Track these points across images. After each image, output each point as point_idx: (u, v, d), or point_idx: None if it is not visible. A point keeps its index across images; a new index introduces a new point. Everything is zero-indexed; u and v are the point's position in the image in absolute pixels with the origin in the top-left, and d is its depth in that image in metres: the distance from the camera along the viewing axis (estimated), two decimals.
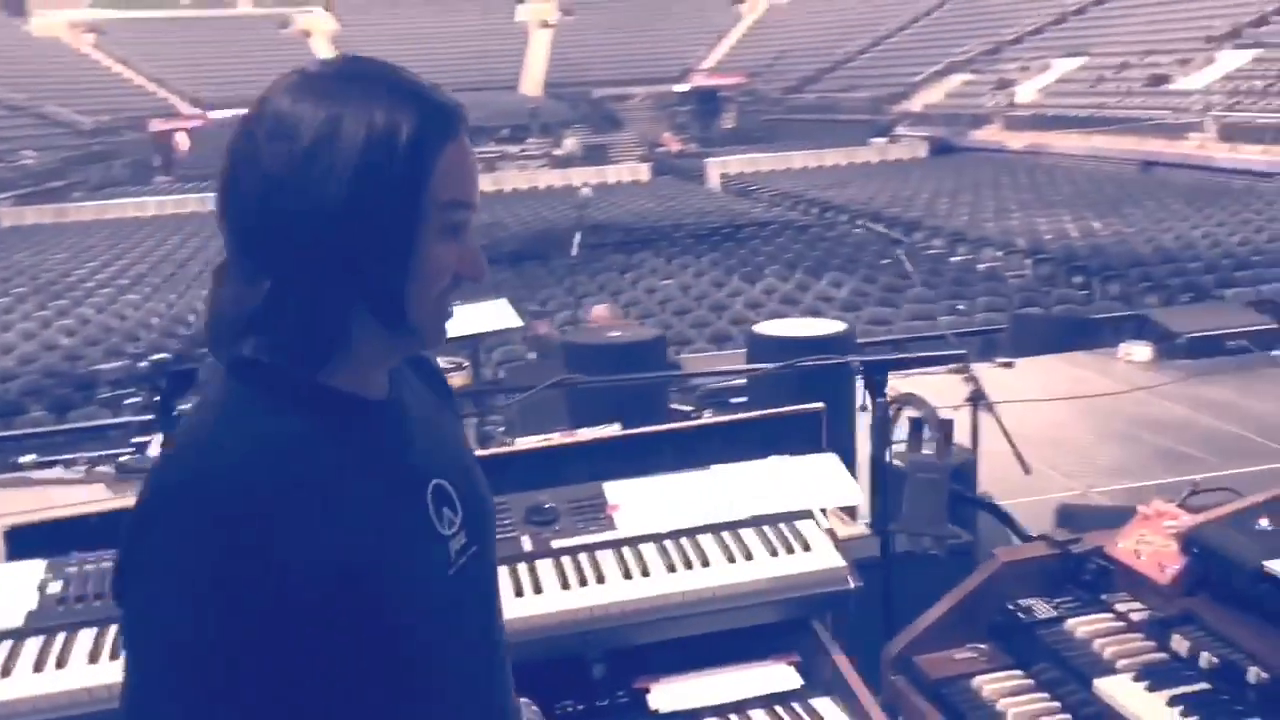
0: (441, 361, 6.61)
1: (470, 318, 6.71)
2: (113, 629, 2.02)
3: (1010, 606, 2.17)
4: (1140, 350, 9.38)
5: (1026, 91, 31.24)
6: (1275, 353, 9.19)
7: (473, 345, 7.26)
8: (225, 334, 1.18)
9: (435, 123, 1.17)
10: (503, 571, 2.31)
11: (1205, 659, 1.91)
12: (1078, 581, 2.21)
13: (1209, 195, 19.62)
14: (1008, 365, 9.35)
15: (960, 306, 13.04)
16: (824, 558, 2.19)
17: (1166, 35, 29.20)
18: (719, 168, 28.95)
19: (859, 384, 3.80)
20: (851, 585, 2.16)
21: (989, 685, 2.07)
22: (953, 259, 16.93)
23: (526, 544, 2.33)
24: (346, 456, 1.19)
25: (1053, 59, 31.15)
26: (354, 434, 1.20)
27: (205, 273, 14.97)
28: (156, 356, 11.13)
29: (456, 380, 6.56)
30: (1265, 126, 22.26)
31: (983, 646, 2.18)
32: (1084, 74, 30.03)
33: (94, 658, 2.00)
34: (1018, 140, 28.99)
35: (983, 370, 9.45)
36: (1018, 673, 2.11)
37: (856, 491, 2.47)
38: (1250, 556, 1.87)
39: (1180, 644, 1.96)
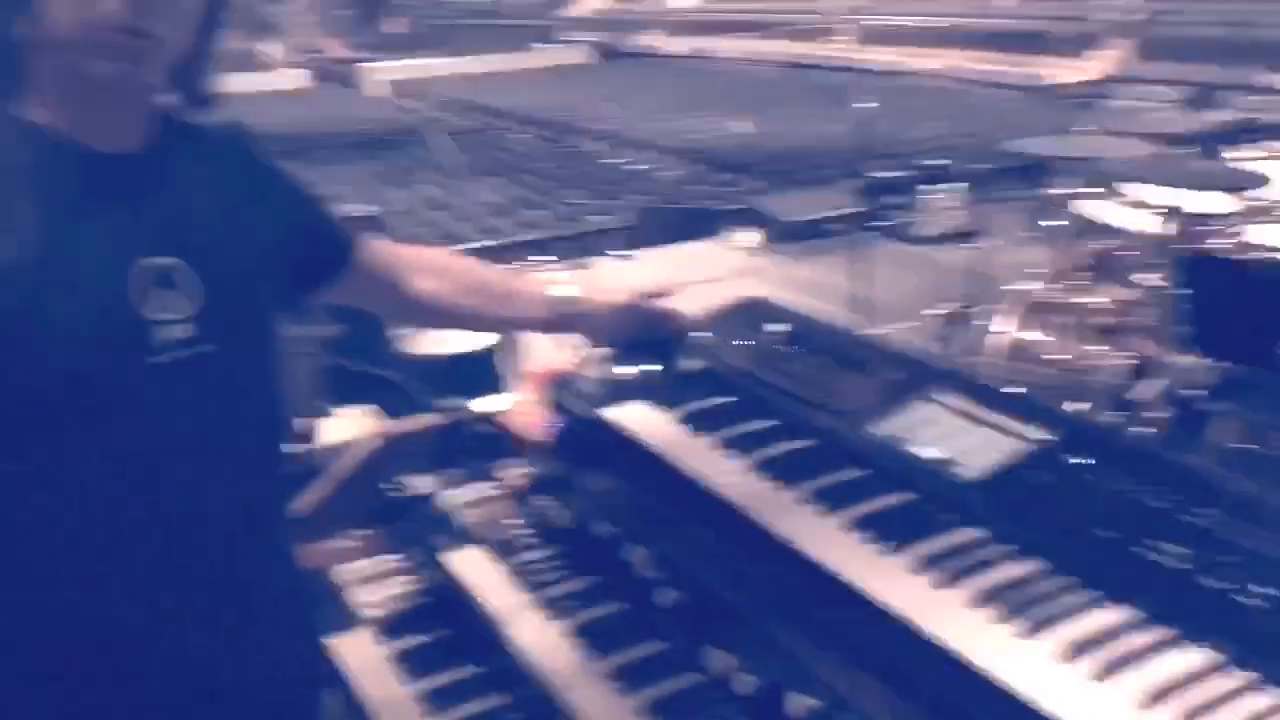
0: None
1: None
2: None
3: (386, 486, 1.97)
4: (748, 237, 9.70)
5: None
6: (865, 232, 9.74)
7: None
8: None
9: None
10: None
11: (559, 520, 1.77)
12: (465, 451, 2.03)
13: (849, 95, 20.72)
14: (626, 257, 9.42)
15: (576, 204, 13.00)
16: None
17: None
18: (384, 74, 27.78)
19: None
20: None
21: (351, 575, 1.86)
22: (605, 161, 17.03)
23: None
24: (27, 196, 1.08)
25: None
26: (53, 180, 1.10)
27: None
28: None
29: None
30: (901, 29, 23.76)
31: (364, 533, 1.97)
32: None
33: None
34: (680, 45, 29.51)
35: (603, 264, 9.51)
36: (390, 557, 1.92)
37: None
38: (588, 406, 1.73)
39: (542, 506, 1.82)
